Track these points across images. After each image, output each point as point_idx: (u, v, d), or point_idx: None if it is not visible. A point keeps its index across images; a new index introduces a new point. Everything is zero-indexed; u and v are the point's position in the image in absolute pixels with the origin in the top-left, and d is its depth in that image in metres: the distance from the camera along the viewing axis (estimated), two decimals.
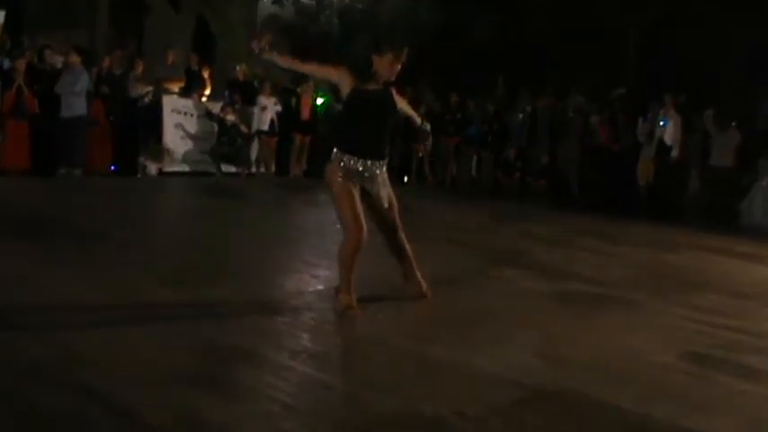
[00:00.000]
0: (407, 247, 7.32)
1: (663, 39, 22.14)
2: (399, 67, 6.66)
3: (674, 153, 16.72)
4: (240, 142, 17.28)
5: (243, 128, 17.28)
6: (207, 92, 18.41)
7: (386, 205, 7.04)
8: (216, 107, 17.61)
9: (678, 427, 4.77)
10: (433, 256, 9.98)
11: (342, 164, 6.73)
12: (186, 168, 17.17)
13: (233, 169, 17.41)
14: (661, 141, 16.65)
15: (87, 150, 15.22)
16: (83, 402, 4.34)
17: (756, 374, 6.05)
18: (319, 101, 19.11)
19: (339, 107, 19.36)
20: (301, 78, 19.52)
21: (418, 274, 7.35)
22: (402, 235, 7.25)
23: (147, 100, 16.55)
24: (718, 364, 6.24)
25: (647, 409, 4.94)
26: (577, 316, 5.46)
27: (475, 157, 20.35)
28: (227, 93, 18.73)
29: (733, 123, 16.99)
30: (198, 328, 5.89)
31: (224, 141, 17.06)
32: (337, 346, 5.91)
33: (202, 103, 17.82)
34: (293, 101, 18.57)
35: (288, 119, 18.36)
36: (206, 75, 18.53)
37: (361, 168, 6.76)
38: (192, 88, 17.95)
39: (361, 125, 6.78)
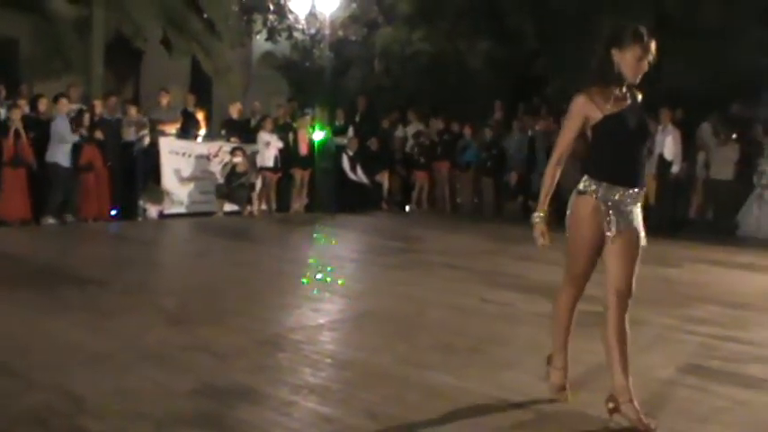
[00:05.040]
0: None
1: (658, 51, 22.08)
2: (648, 62, 5.09)
3: (675, 168, 16.71)
4: (245, 181, 17.31)
5: (243, 166, 17.27)
6: (201, 132, 18.42)
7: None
8: (214, 147, 17.65)
9: None
10: (435, 283, 10.04)
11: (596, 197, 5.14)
12: (187, 210, 17.15)
13: (235, 208, 17.41)
14: (661, 157, 16.63)
15: (85, 196, 15.21)
16: None
17: (758, 384, 6.10)
18: (318, 137, 19.12)
19: (338, 141, 19.61)
20: (297, 113, 19.69)
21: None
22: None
23: (143, 143, 16.55)
24: (719, 376, 6.30)
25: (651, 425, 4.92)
26: (580, 336, 5.44)
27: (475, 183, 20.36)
28: (223, 132, 18.75)
29: (734, 136, 17.02)
30: (200, 368, 5.88)
31: (231, 181, 17.08)
32: (339, 380, 5.86)
33: (199, 144, 17.86)
34: (290, 137, 18.58)
35: (286, 155, 18.37)
36: (200, 116, 18.53)
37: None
38: (190, 129, 17.98)
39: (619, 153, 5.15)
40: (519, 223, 17.63)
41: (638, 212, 5.17)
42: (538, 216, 5.34)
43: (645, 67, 5.06)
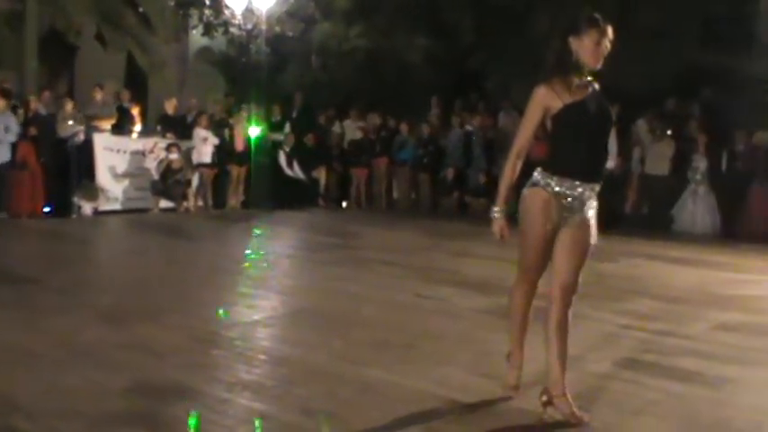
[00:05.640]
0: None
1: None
2: (606, 47, 5.06)
3: (611, 164, 16.86)
4: (181, 177, 17.21)
5: (179, 162, 17.17)
6: (137, 128, 18.30)
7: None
8: (149, 143, 17.54)
9: None
10: (371, 279, 10.07)
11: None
12: (122, 206, 17.01)
13: (171, 204, 17.33)
14: None
15: (17, 194, 15.05)
16: None
17: (690, 377, 6.18)
18: (254, 133, 19.05)
19: (275, 137, 19.56)
20: (234, 109, 19.60)
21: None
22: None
23: (78, 139, 16.39)
24: (653, 369, 6.36)
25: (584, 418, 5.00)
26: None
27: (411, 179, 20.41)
28: (159, 128, 18.63)
29: (668, 132, 17.24)
30: (134, 366, 5.86)
31: (167, 177, 16.98)
32: (274, 376, 5.87)
33: (134, 140, 17.74)
34: (227, 133, 18.51)
35: (222, 151, 18.30)
36: (135, 111, 18.41)
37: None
38: (124, 125, 17.85)
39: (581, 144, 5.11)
40: (455, 219, 17.82)
41: (592, 207, 5.15)
42: (497, 211, 5.22)
43: (604, 51, 5.03)
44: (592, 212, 5.15)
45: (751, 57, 19.98)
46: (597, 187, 5.14)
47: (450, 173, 19.43)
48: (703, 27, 19.42)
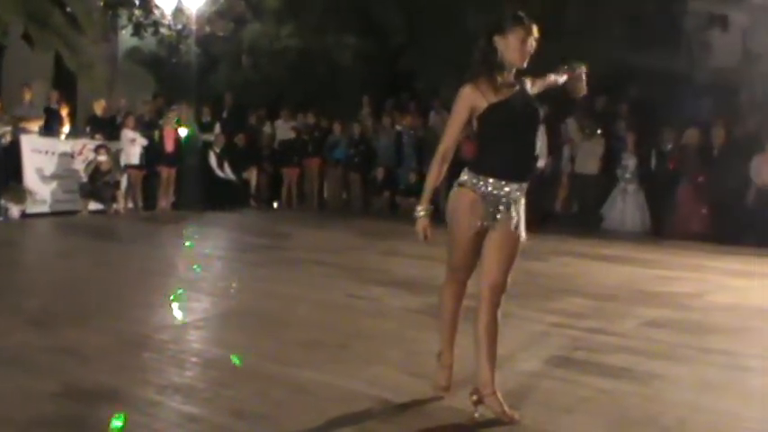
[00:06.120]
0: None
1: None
2: (532, 45, 5.03)
3: (541, 163, 17.01)
4: (110, 179, 17.05)
5: (108, 164, 17.01)
6: (65, 129, 18.09)
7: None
8: (78, 145, 17.35)
9: None
10: (302, 279, 10.07)
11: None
12: (50, 209, 16.81)
13: (100, 206, 17.16)
14: None
15: None
16: None
17: (620, 374, 6.26)
18: (183, 133, 18.93)
19: (205, 138, 19.45)
20: (163, 110, 19.45)
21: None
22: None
23: (4, 141, 16.16)
24: (582, 366, 6.43)
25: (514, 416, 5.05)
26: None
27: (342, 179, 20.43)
28: (88, 129, 18.43)
29: (599, 131, 17.42)
30: (63, 370, 5.81)
31: (96, 179, 16.81)
32: (205, 378, 5.85)
33: (63, 142, 17.53)
34: (156, 134, 18.37)
35: (152, 152, 18.16)
36: (64, 112, 18.20)
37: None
38: (53, 126, 17.65)
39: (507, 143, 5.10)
40: (386, 219, 17.86)
41: (520, 206, 5.12)
42: (421, 210, 5.21)
43: (530, 49, 5.00)
44: (521, 211, 5.13)
45: (679, 56, 20.33)
46: (526, 186, 5.13)
47: (380, 172, 19.47)
48: (632, 26, 19.61)
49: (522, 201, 5.16)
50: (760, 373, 6.62)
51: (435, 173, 5.20)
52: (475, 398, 5.11)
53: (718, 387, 6.08)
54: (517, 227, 5.12)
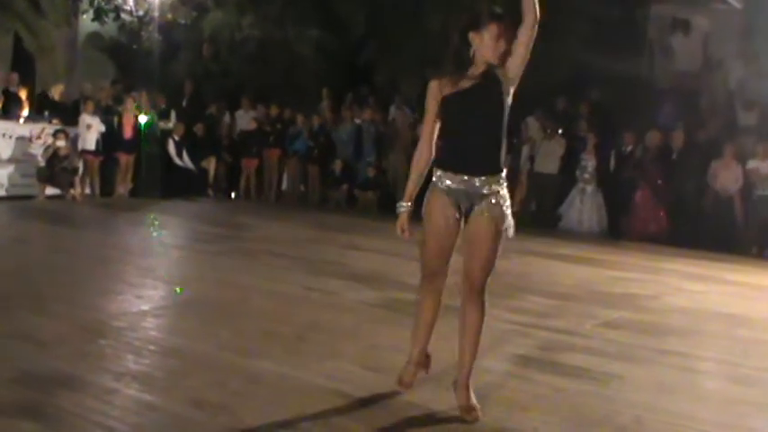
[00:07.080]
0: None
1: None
2: (505, 42, 5.00)
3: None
4: (67, 164, 16.93)
5: (66, 149, 16.89)
6: (24, 113, 17.94)
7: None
8: (36, 129, 17.21)
9: (503, 430, 4.96)
10: (259, 270, 10.07)
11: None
12: (7, 193, 16.67)
13: (57, 191, 17.03)
14: None
15: None
16: None
17: (575, 372, 6.34)
18: (142, 120, 18.82)
19: (164, 126, 19.35)
20: (122, 96, 19.32)
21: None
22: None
23: None
24: (540, 365, 6.50)
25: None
26: (402, 324, 5.59)
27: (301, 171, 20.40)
28: (46, 113, 18.27)
29: (559, 131, 17.54)
30: (18, 357, 5.77)
31: (54, 164, 16.69)
32: (162, 367, 5.84)
33: (21, 125, 17.38)
34: (115, 120, 18.26)
35: (110, 138, 18.05)
36: (23, 95, 18.05)
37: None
38: (11, 109, 17.49)
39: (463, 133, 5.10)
40: (343, 212, 17.88)
41: (495, 200, 5.02)
42: (401, 206, 5.20)
43: (504, 45, 4.96)
44: (496, 206, 5.04)
45: (641, 59, 20.51)
46: (496, 179, 5.04)
47: (338, 165, 19.46)
48: (594, 28, 19.73)
49: (500, 194, 5.07)
50: (715, 376, 6.72)
51: (413, 169, 5.23)
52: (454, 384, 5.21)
53: (673, 388, 6.16)
54: (492, 221, 5.05)
